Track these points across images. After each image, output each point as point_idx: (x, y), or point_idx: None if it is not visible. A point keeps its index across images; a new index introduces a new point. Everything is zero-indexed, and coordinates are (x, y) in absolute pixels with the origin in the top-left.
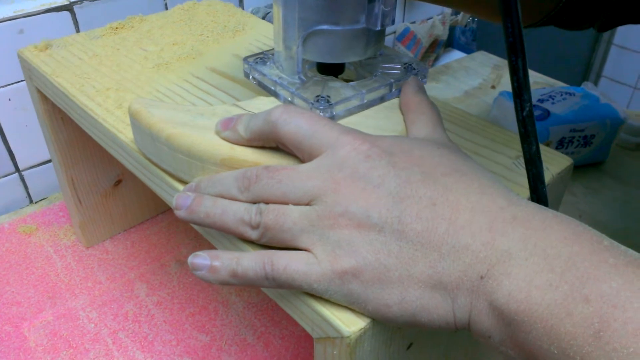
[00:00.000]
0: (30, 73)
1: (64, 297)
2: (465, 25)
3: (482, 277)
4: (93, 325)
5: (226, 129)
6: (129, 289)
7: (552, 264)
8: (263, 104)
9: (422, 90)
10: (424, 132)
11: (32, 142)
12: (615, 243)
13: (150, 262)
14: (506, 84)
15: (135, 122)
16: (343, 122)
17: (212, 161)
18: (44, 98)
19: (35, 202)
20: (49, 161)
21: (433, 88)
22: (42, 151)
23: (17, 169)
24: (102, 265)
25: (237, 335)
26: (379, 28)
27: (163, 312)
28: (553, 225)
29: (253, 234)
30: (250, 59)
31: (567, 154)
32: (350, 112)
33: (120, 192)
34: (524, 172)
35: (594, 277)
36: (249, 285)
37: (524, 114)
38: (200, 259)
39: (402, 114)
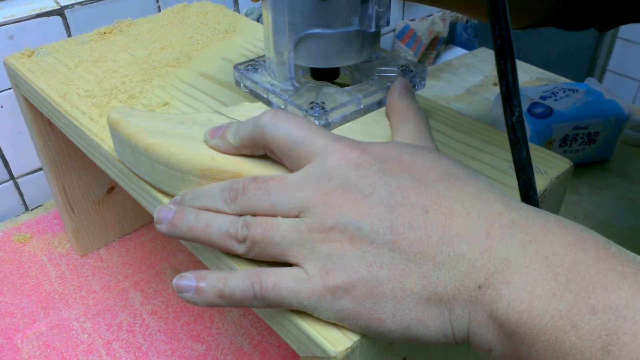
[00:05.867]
0: (16, 81)
1: (58, 307)
2: (467, 22)
3: (480, 287)
4: (87, 335)
5: (215, 137)
6: (123, 298)
7: (555, 271)
8: (247, 110)
9: (408, 93)
10: (408, 139)
11: (26, 149)
12: (624, 250)
13: (145, 270)
14: None
15: (114, 132)
16: (336, 129)
17: (192, 172)
18: (31, 106)
19: (31, 210)
20: None
21: (434, 86)
22: (37, 158)
23: (11, 177)
24: (97, 273)
25: (233, 344)
26: (373, 30)
27: (158, 321)
28: (555, 230)
29: (240, 248)
30: (241, 67)
31: (570, 151)
32: (346, 119)
33: (114, 199)
34: None
35: (600, 286)
36: (237, 306)
37: (514, 119)
38: (186, 280)
39: (388, 120)
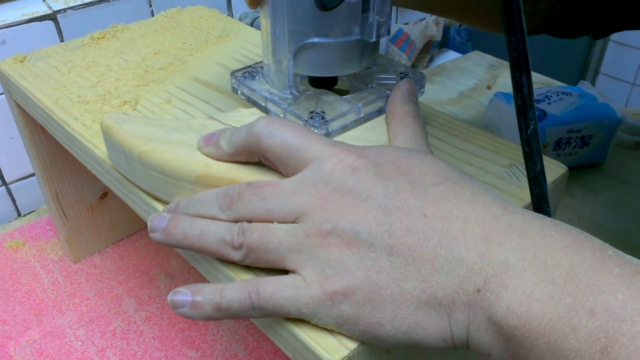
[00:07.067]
0: (8, 86)
1: (51, 314)
2: (460, 25)
3: (478, 290)
4: (80, 343)
5: (208, 144)
6: (117, 305)
7: (553, 274)
8: (242, 116)
9: (411, 98)
10: (406, 145)
11: (18, 155)
12: (620, 252)
13: (139, 276)
14: (501, 85)
15: (108, 138)
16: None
17: (186, 179)
18: (23, 112)
19: (24, 216)
20: None
21: (428, 90)
22: (29, 164)
23: (4, 182)
24: (90, 280)
25: (228, 351)
26: (374, 39)
27: (152, 328)
28: (552, 233)
29: (236, 255)
30: (238, 74)
31: (564, 155)
32: (346, 128)
33: (107, 204)
34: (518, 181)
35: (598, 289)
36: (235, 317)
37: (529, 132)
38: (181, 295)
39: (387, 124)
